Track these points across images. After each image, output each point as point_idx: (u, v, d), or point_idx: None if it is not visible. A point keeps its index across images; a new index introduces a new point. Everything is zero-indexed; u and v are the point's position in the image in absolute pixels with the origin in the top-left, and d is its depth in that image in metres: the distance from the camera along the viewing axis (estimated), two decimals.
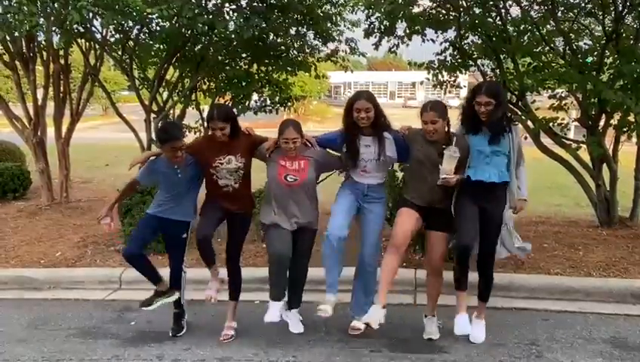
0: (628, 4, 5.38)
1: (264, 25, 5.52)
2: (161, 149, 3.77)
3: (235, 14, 5.92)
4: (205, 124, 6.85)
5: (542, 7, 5.92)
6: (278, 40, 6.46)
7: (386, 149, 3.74)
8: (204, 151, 3.80)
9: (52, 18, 5.16)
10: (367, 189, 3.80)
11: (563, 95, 6.32)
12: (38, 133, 7.69)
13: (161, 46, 6.44)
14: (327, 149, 3.94)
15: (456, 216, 3.69)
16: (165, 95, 6.77)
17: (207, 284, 3.99)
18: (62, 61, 7.48)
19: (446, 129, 3.67)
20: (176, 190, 3.84)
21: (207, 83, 6.98)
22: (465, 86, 7.45)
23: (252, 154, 3.86)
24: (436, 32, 6.17)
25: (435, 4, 5.90)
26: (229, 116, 3.72)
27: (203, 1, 5.82)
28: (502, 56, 6.22)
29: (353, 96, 3.79)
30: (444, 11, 5.99)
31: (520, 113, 5.99)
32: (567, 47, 5.96)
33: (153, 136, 6.42)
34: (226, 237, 3.97)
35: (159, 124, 6.06)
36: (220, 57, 6.46)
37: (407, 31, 5.96)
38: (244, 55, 6.71)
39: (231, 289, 4.04)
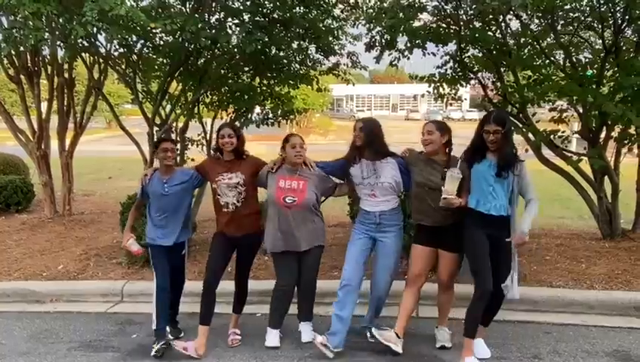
0: (627, 17, 5.43)
1: (266, 39, 5.58)
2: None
3: (238, 29, 5.98)
4: (208, 136, 7.02)
5: (542, 20, 5.97)
6: (281, 54, 6.51)
7: (389, 173, 3.81)
8: (209, 169, 4.00)
9: (57, 32, 5.22)
10: (379, 218, 3.83)
11: (564, 107, 6.34)
12: (42, 146, 7.75)
13: (165, 60, 6.50)
14: (331, 177, 4.03)
15: (470, 255, 3.67)
16: (168, 108, 6.82)
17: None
18: (66, 75, 7.57)
19: (446, 150, 3.76)
20: (163, 209, 3.96)
21: (210, 96, 7.03)
22: (466, 99, 7.50)
23: (254, 176, 3.96)
24: (437, 46, 6.21)
25: (435, 18, 5.95)
26: (237, 129, 3.96)
27: (206, 16, 5.90)
28: (502, 69, 6.26)
29: (356, 124, 3.94)
30: (444, 25, 6.04)
31: (521, 126, 6.01)
32: (567, 60, 6.00)
33: None
34: (235, 260, 4.09)
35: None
36: (222, 71, 6.52)
37: (408, 44, 6.00)
38: (246, 69, 6.76)
39: (235, 303, 4.17)
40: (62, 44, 5.48)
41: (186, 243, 4.21)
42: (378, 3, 6.18)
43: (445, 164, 3.69)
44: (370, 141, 3.82)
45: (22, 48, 6.97)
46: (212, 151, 4.13)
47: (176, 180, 3.96)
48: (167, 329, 4.03)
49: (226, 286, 4.17)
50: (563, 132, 6.25)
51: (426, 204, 3.73)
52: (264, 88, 6.96)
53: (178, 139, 6.79)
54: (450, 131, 3.78)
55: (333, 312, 3.81)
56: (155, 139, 4.24)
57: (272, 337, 3.98)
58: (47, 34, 5.06)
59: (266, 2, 5.94)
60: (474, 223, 3.63)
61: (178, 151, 6.73)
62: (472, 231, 3.62)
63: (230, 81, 6.79)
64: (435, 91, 6.76)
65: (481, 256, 3.59)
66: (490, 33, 5.95)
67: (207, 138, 7.08)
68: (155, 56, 6.48)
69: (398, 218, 3.89)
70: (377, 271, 3.90)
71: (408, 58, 6.31)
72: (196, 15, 5.64)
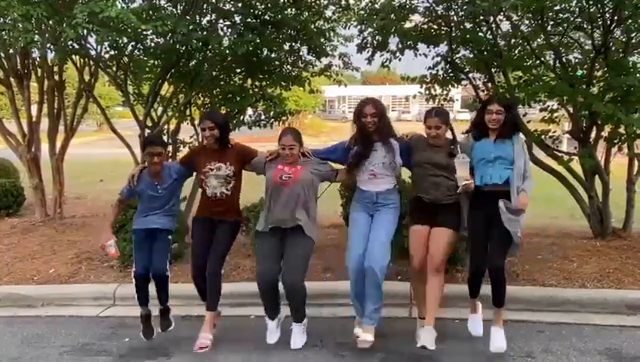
0: (616, 17, 5.47)
1: (258, 40, 5.58)
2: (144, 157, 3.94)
3: (229, 30, 5.98)
4: (200, 138, 6.98)
5: (532, 21, 6.01)
6: (272, 55, 6.52)
7: (392, 153, 3.83)
8: (196, 157, 4.00)
9: (47, 35, 5.19)
10: (376, 197, 3.85)
11: (554, 108, 6.38)
12: (32, 149, 7.69)
13: (156, 62, 6.47)
14: (328, 161, 4.01)
15: (469, 235, 3.86)
16: (160, 110, 6.79)
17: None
18: (56, 77, 7.52)
19: (449, 135, 3.83)
20: (156, 203, 3.97)
21: (202, 98, 7.01)
22: (458, 100, 7.54)
23: (242, 164, 3.95)
24: (428, 47, 6.24)
25: (426, 20, 5.98)
26: (217, 119, 3.90)
27: (197, 18, 5.89)
28: (493, 70, 6.29)
29: (360, 103, 3.94)
30: (435, 26, 6.06)
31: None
32: (557, 61, 6.04)
33: None
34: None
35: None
36: (214, 73, 6.50)
37: (400, 46, 6.03)
38: (238, 70, 6.75)
39: (208, 299, 3.93)
40: (52, 46, 5.45)
41: (171, 234, 4.09)
42: (370, 4, 6.20)
43: (447, 147, 3.77)
44: (381, 125, 3.83)
45: (11, 51, 6.97)
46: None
47: (167, 180, 3.94)
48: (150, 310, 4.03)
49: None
50: (554, 132, 6.30)
51: (428, 181, 3.79)
52: (256, 90, 6.95)
53: (170, 140, 6.77)
54: (449, 117, 3.85)
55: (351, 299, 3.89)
56: (144, 139, 4.19)
57: (270, 330, 3.91)
58: (37, 36, 5.03)
59: (257, 4, 5.94)
60: (475, 201, 3.77)
61: (170, 153, 6.71)
62: (472, 212, 3.80)
63: (222, 83, 6.78)
64: (427, 92, 6.79)
65: (478, 241, 3.77)
66: (480, 34, 5.98)
67: (200, 140, 7.06)
68: (146, 58, 6.46)
69: (394, 197, 3.91)
70: (371, 240, 3.77)
71: (400, 59, 6.33)
72: (187, 17, 5.63)
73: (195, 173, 4.12)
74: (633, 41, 5.79)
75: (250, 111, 7.37)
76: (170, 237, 4.06)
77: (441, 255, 3.75)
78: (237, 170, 3.91)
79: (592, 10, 5.51)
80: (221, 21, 6.10)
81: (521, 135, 3.90)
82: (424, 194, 3.83)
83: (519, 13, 5.80)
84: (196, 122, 7.18)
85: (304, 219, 3.82)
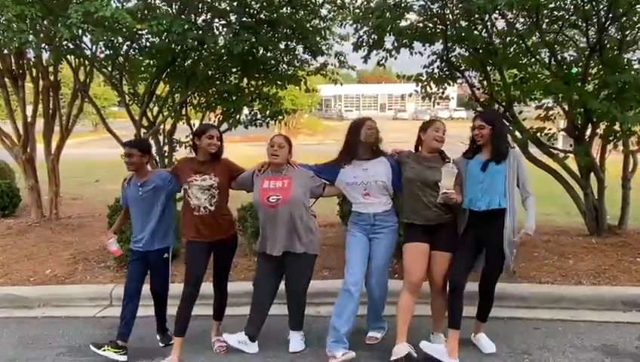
0: (610, 15, 5.50)
1: (254, 40, 5.57)
2: None
3: (225, 29, 5.97)
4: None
5: (527, 19, 6.03)
6: (268, 54, 6.51)
7: (383, 170, 3.77)
8: (183, 169, 3.92)
9: (42, 35, 5.18)
10: (373, 219, 3.77)
11: (550, 105, 6.40)
12: (28, 150, 7.67)
13: (151, 61, 6.46)
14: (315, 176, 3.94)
15: (455, 250, 3.73)
16: (155, 110, 6.78)
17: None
18: (51, 77, 7.50)
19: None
20: (140, 213, 3.88)
21: (198, 98, 7.00)
22: (453, 98, 7.54)
23: (228, 178, 3.88)
24: (424, 45, 6.24)
25: (422, 18, 5.98)
26: (219, 132, 3.91)
27: (193, 17, 5.88)
28: (489, 68, 6.30)
29: (361, 119, 3.94)
30: (431, 25, 6.06)
31: (508, 123, 6.06)
32: (553, 59, 6.06)
33: None
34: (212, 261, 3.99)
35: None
36: (210, 72, 6.50)
37: (396, 44, 6.03)
38: (234, 69, 6.75)
39: (215, 311, 4.10)
40: (47, 46, 5.44)
41: (169, 251, 4.02)
42: (365, 3, 6.20)
43: (436, 162, 3.68)
44: (377, 140, 3.82)
45: (6, 51, 6.94)
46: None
47: (151, 184, 3.86)
48: (157, 337, 4.11)
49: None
50: (549, 129, 6.32)
51: (419, 201, 3.67)
52: (252, 89, 6.95)
53: (166, 140, 6.76)
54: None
55: (332, 321, 3.70)
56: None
57: (239, 336, 3.84)
58: (31, 36, 5.01)
59: (253, 3, 5.94)
60: (465, 222, 3.69)
61: (165, 153, 6.70)
62: (462, 234, 3.72)
63: (218, 82, 6.78)
64: (423, 90, 6.79)
65: (460, 257, 3.67)
66: (476, 32, 5.99)
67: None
68: (141, 58, 6.44)
69: (392, 219, 3.82)
70: (371, 272, 3.82)
71: (396, 58, 6.34)
72: (182, 16, 5.62)
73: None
74: (628, 38, 5.81)
75: (246, 110, 7.36)
76: (166, 255, 3.97)
77: (444, 278, 3.75)
78: (222, 183, 3.80)
79: (586, 8, 5.54)
80: (216, 20, 6.09)
81: (516, 150, 3.81)
82: (415, 217, 3.70)
83: (514, 11, 5.82)
84: (192, 122, 7.19)
85: (299, 244, 3.78)
